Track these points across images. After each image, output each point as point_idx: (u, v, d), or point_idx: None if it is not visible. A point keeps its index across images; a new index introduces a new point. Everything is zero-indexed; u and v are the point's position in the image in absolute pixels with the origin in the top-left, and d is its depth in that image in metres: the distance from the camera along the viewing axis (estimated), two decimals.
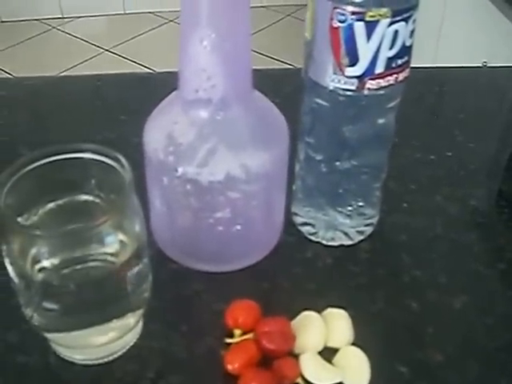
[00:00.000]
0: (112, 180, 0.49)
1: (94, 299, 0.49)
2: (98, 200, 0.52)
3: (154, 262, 0.57)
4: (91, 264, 0.50)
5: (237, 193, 0.55)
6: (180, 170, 0.54)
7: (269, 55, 2.74)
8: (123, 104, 0.85)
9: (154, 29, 3.03)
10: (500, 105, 0.89)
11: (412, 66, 0.87)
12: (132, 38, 2.99)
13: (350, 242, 0.64)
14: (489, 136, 0.82)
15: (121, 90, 0.90)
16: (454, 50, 1.87)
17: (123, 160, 0.49)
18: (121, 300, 0.51)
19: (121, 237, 0.50)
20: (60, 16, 3.18)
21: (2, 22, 3.14)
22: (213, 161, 0.54)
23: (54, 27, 3.12)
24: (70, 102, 0.88)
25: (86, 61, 2.81)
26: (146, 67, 2.68)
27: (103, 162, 0.50)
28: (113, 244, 0.49)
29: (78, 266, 0.50)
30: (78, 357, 0.54)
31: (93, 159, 0.50)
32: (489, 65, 1.36)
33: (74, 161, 0.50)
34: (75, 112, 0.85)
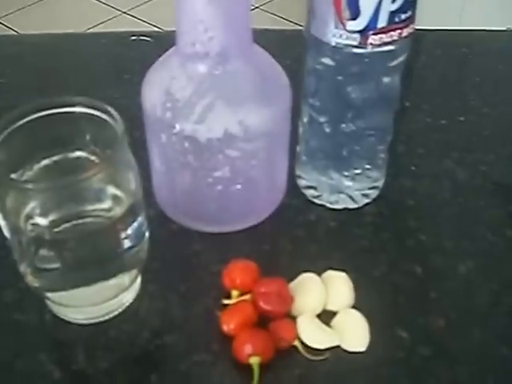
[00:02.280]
0: (105, 134, 0.48)
1: (88, 256, 0.49)
2: (93, 156, 0.51)
3: (154, 222, 0.56)
4: (86, 220, 0.50)
5: (236, 151, 0.54)
6: (177, 126, 0.53)
7: (290, 19, 2.70)
8: (128, 63, 0.84)
9: None
10: None
11: (435, 28, 0.86)
12: (149, 0, 2.92)
13: (354, 206, 0.63)
14: (504, 101, 0.79)
15: (126, 48, 0.88)
16: (479, 13, 1.83)
17: (114, 113, 0.47)
18: (116, 258, 0.50)
19: (115, 191, 0.49)
20: None
21: None
22: (210, 117, 0.52)
23: None
24: (74, 60, 0.86)
25: (102, 23, 2.76)
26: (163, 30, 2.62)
27: (95, 116, 0.49)
28: (107, 199, 0.49)
29: (73, 223, 0.50)
30: (73, 316, 0.53)
31: (84, 113, 0.49)
32: None
33: (65, 115, 0.49)
34: (79, 70, 0.84)
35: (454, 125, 0.75)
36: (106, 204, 0.49)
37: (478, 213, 0.64)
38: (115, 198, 0.49)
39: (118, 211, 0.49)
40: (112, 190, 0.49)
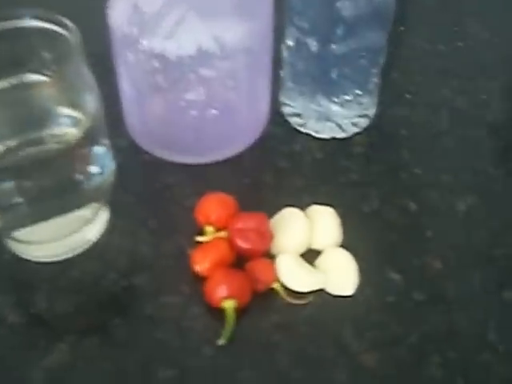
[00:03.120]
0: (62, 50, 0.43)
1: (46, 186, 0.45)
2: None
3: (125, 152, 0.55)
4: (42, 147, 0.45)
5: (210, 70, 0.50)
6: (144, 42, 0.48)
7: None
8: None
9: None
10: None
11: None
12: None
13: (343, 135, 0.60)
14: (506, 26, 0.75)
15: None
16: None
17: (70, 24, 0.43)
18: (76, 188, 0.47)
19: (72, 113, 0.45)
20: None
21: None
22: (181, 32, 0.48)
23: None
24: None
25: None
26: None
27: (49, 30, 0.44)
28: (64, 123, 0.45)
29: (28, 150, 0.45)
30: (33, 253, 0.50)
31: (38, 27, 0.44)
32: None
33: (16, 30, 0.44)
34: None
35: (452, 50, 0.71)
36: (64, 128, 0.45)
37: (477, 144, 0.61)
38: (74, 122, 0.45)
39: (76, 135, 0.44)
40: (68, 111, 0.44)
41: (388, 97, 0.62)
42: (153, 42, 0.48)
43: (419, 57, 0.70)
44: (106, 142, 0.48)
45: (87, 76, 0.44)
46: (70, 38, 0.42)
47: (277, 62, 0.58)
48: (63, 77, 0.42)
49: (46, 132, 0.45)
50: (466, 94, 0.65)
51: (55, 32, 0.43)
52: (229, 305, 0.45)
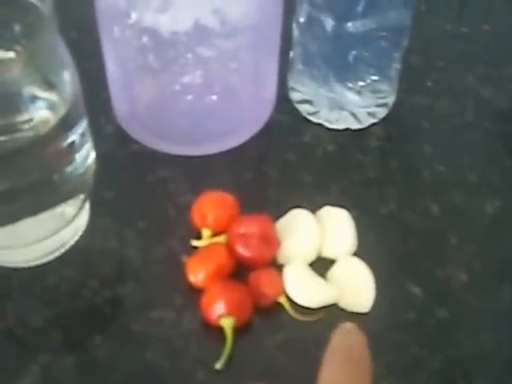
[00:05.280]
0: (31, 24, 0.39)
1: (14, 181, 0.41)
2: None
3: (112, 141, 0.53)
4: (12, 136, 0.40)
5: (210, 50, 0.46)
6: (133, 15, 0.44)
7: None
8: None
9: None
10: None
11: None
12: None
13: (358, 126, 0.57)
14: None
15: None
16: None
17: None
18: (50, 182, 0.43)
19: (45, 95, 0.40)
20: None
21: None
22: (177, 4, 0.44)
23: None
24: None
25: None
26: None
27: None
28: (39, 108, 0.40)
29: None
30: (4, 258, 0.47)
31: None
32: None
33: None
34: None
35: (477, 34, 0.67)
36: (37, 113, 0.40)
37: (507, 139, 0.57)
38: (48, 106, 0.41)
39: (51, 121, 0.40)
40: (42, 93, 0.40)
41: (408, 84, 0.59)
42: (143, 15, 0.44)
43: (441, 40, 0.67)
44: (86, 128, 0.44)
45: (62, 53, 0.40)
46: (42, 8, 0.38)
47: (286, 42, 0.55)
48: (34, 52, 0.38)
49: (17, 118, 0.40)
50: (492, 83, 0.62)
51: (25, 1, 0.39)
52: (227, 323, 0.42)
